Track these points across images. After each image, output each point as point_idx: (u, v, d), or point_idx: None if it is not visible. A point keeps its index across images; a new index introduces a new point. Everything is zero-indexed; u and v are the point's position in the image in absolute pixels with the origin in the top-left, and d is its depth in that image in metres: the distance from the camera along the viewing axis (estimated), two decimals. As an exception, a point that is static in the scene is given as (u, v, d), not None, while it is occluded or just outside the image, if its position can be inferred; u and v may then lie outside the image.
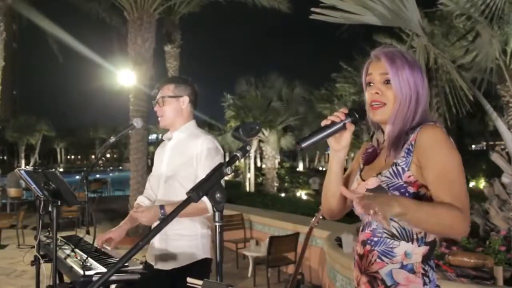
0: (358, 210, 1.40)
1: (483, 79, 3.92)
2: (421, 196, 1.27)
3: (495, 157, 4.15)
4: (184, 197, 1.14)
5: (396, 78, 1.32)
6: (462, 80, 3.67)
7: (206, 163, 2.24)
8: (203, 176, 2.29)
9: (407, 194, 1.27)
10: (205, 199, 1.14)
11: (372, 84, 1.37)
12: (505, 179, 4.10)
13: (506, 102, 4.62)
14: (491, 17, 3.75)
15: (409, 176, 1.28)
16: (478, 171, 20.41)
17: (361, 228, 1.44)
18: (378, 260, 1.33)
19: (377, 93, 1.35)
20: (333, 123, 1.32)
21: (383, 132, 1.43)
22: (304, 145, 1.29)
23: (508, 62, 4.00)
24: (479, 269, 3.11)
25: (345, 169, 1.51)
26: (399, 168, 1.30)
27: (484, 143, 40.29)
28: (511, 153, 3.94)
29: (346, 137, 1.35)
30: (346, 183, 1.49)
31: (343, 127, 1.32)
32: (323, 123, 1.33)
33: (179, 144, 2.38)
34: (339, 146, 1.37)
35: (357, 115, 1.33)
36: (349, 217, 1.48)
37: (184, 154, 2.31)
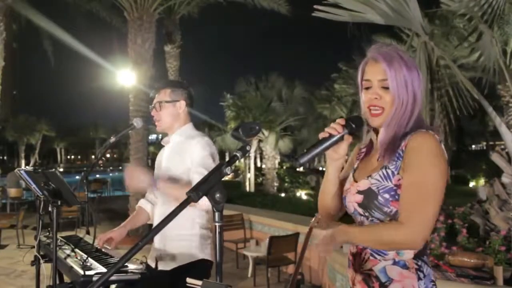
0: (350, 209, 1.43)
1: (486, 80, 3.92)
2: None
3: (495, 157, 4.15)
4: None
5: (394, 83, 1.31)
6: (467, 80, 3.67)
7: (197, 168, 2.20)
8: (197, 178, 2.25)
9: (396, 197, 1.29)
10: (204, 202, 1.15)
11: (370, 88, 1.35)
12: (505, 179, 4.10)
13: (506, 102, 4.63)
14: (492, 18, 3.74)
15: (399, 180, 1.30)
16: (478, 171, 20.38)
17: None
18: (371, 258, 1.35)
19: (376, 98, 1.34)
20: (331, 136, 1.33)
21: (377, 133, 1.44)
22: (302, 161, 1.30)
23: (508, 62, 4.00)
24: (479, 269, 3.12)
25: None
26: (389, 171, 1.32)
27: (484, 143, 40.23)
28: (511, 153, 3.94)
29: (344, 147, 1.37)
30: (341, 186, 1.50)
31: (341, 139, 1.34)
32: (321, 135, 1.34)
33: (176, 147, 2.38)
34: (337, 155, 1.39)
35: (353, 125, 1.34)
36: (349, 217, 1.49)
37: (181, 156, 2.31)
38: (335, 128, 1.33)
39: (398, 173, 1.30)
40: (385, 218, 1.32)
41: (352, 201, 1.39)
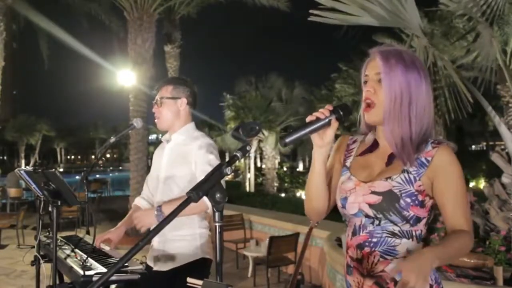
0: (352, 210, 1.39)
1: (484, 79, 3.92)
2: (425, 204, 1.33)
3: (495, 157, 4.15)
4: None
5: (387, 77, 1.33)
6: (461, 81, 3.67)
7: (202, 166, 2.22)
8: (201, 176, 2.28)
9: (416, 202, 1.31)
10: (204, 198, 1.14)
11: (367, 82, 1.38)
12: (505, 179, 4.10)
13: (506, 102, 4.62)
14: (491, 18, 3.74)
15: (420, 186, 1.32)
16: (478, 171, 20.39)
17: (350, 232, 1.42)
18: (381, 259, 1.33)
19: (369, 90, 1.36)
20: (318, 119, 1.33)
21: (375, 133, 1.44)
22: (288, 140, 1.31)
23: (508, 62, 4.00)
24: (479, 269, 3.12)
25: None
26: (411, 176, 1.33)
27: (484, 143, 40.23)
28: (511, 153, 3.94)
29: (330, 133, 1.36)
30: (327, 178, 1.47)
31: (328, 124, 1.34)
32: (308, 119, 1.34)
33: (177, 146, 2.37)
34: (322, 142, 1.37)
35: (341, 112, 1.34)
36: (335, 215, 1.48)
37: (182, 156, 2.30)
38: (323, 113, 1.33)
39: (419, 180, 1.32)
40: (399, 222, 1.31)
41: (361, 202, 1.36)
